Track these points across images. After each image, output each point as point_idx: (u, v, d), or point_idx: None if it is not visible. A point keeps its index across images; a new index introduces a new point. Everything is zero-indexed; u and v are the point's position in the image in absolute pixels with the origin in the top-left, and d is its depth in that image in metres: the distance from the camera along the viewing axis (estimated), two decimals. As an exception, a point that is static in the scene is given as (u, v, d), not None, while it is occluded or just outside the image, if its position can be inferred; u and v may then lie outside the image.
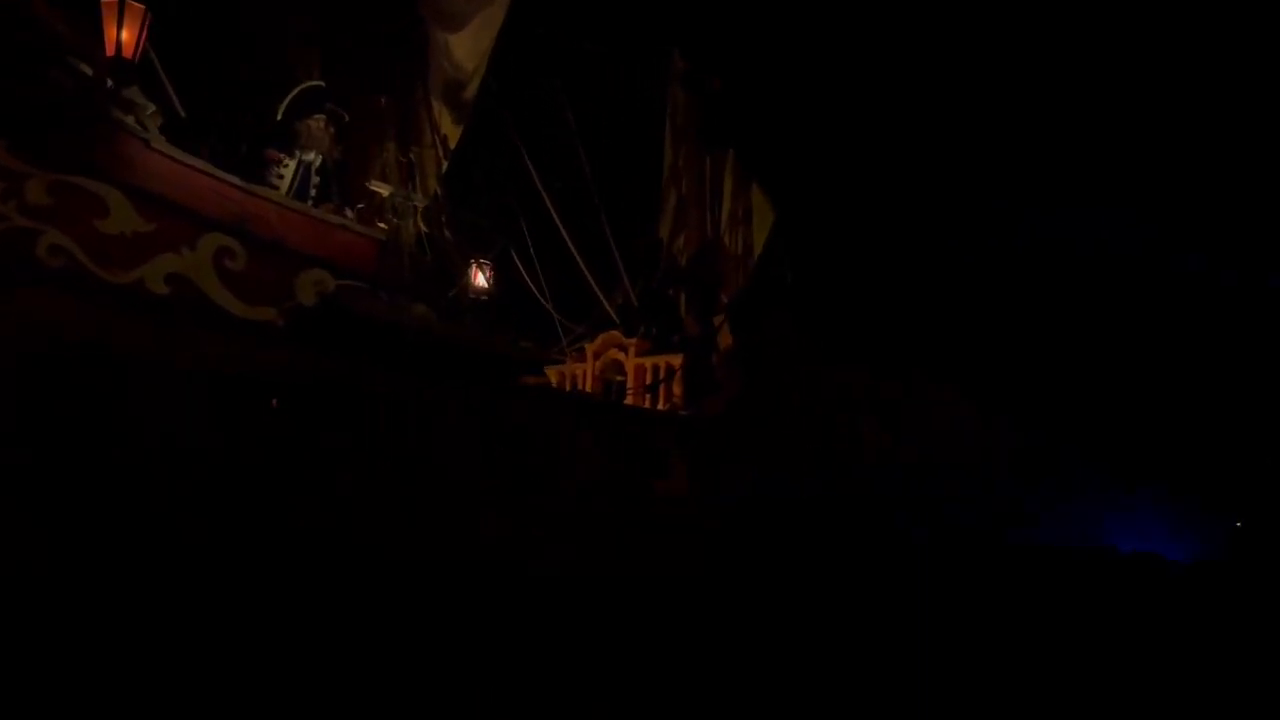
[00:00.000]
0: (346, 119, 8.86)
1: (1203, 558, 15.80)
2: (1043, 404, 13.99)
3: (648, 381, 11.59)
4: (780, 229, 12.19)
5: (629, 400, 11.66)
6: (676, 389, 11.51)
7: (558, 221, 12.00)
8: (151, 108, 7.93)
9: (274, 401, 7.42)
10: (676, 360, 11.56)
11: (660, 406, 11.55)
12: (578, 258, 12.25)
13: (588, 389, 11.99)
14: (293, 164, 8.44)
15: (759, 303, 11.90)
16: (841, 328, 11.87)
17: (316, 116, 8.51)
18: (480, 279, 10.35)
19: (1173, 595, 13.68)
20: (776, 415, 10.99)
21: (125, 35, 7.41)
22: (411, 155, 9.29)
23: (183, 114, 8.63)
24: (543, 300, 11.89)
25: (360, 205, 8.88)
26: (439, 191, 9.45)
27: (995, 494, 13.34)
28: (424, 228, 8.98)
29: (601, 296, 12.50)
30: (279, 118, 8.51)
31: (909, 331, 12.58)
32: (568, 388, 12.12)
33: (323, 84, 8.75)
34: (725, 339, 11.70)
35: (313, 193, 8.52)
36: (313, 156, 8.55)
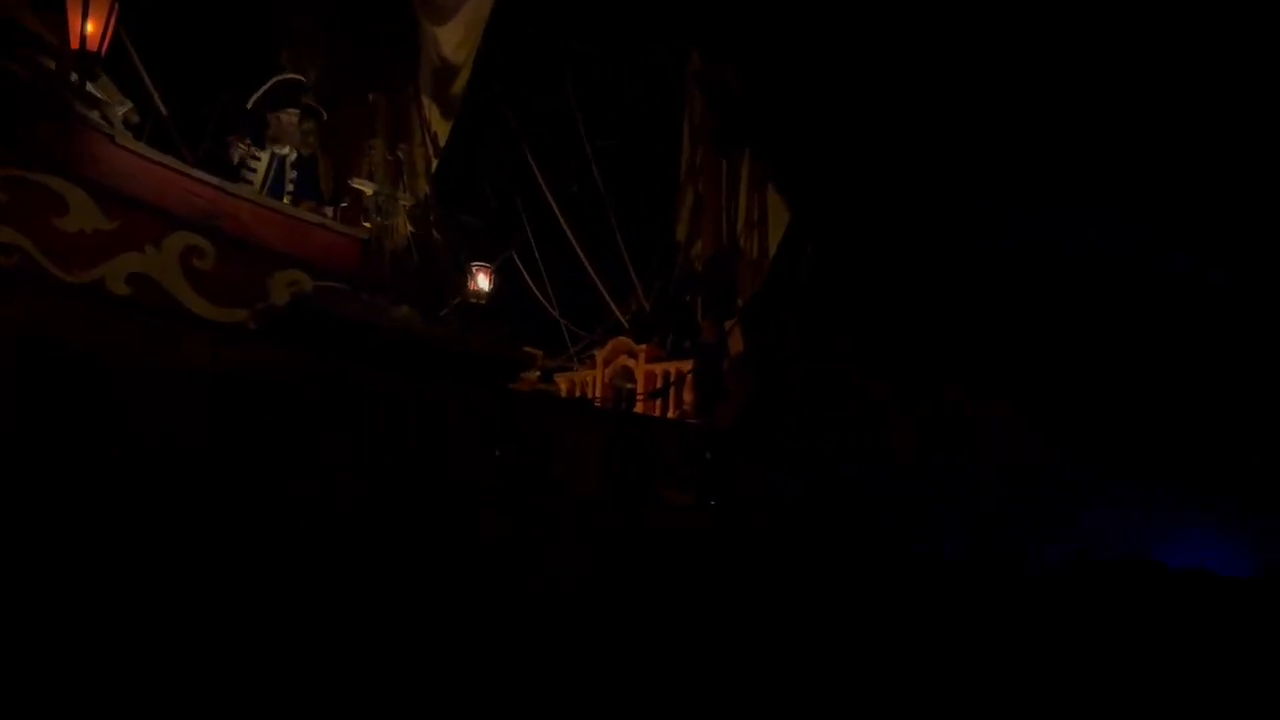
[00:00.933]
0: (324, 116, 8.59)
1: (1262, 572, 14.98)
2: (1079, 410, 13.35)
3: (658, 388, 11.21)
4: (795, 230, 11.74)
5: (639, 408, 11.27)
6: (687, 396, 11.10)
7: (565, 226, 11.69)
8: (127, 104, 7.75)
9: None
10: (687, 366, 11.16)
11: (670, 414, 11.15)
12: (586, 263, 11.93)
13: (597, 396, 11.61)
14: (265, 157, 8.18)
15: (771, 306, 11.46)
16: (861, 331, 11.37)
17: (289, 110, 8.23)
18: (481, 283, 10.04)
19: (1232, 617, 12.88)
20: (786, 419, 10.53)
21: (90, 27, 7.17)
22: (400, 153, 8.99)
23: (164, 110, 8.44)
24: (549, 307, 11.58)
25: (343, 204, 8.61)
26: (429, 191, 9.15)
27: (1028, 505, 12.73)
28: (412, 228, 8.65)
29: (611, 302, 12.15)
30: (249, 107, 8.25)
31: (930, 336, 12.05)
32: (577, 395, 11.76)
33: (301, 78, 8.49)
34: (737, 344, 11.28)
35: (290, 188, 8.26)
36: (287, 151, 8.28)
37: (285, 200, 8.18)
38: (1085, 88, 14.90)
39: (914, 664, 9.77)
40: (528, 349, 10.67)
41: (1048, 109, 14.81)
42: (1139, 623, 11.86)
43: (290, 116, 8.23)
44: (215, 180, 7.55)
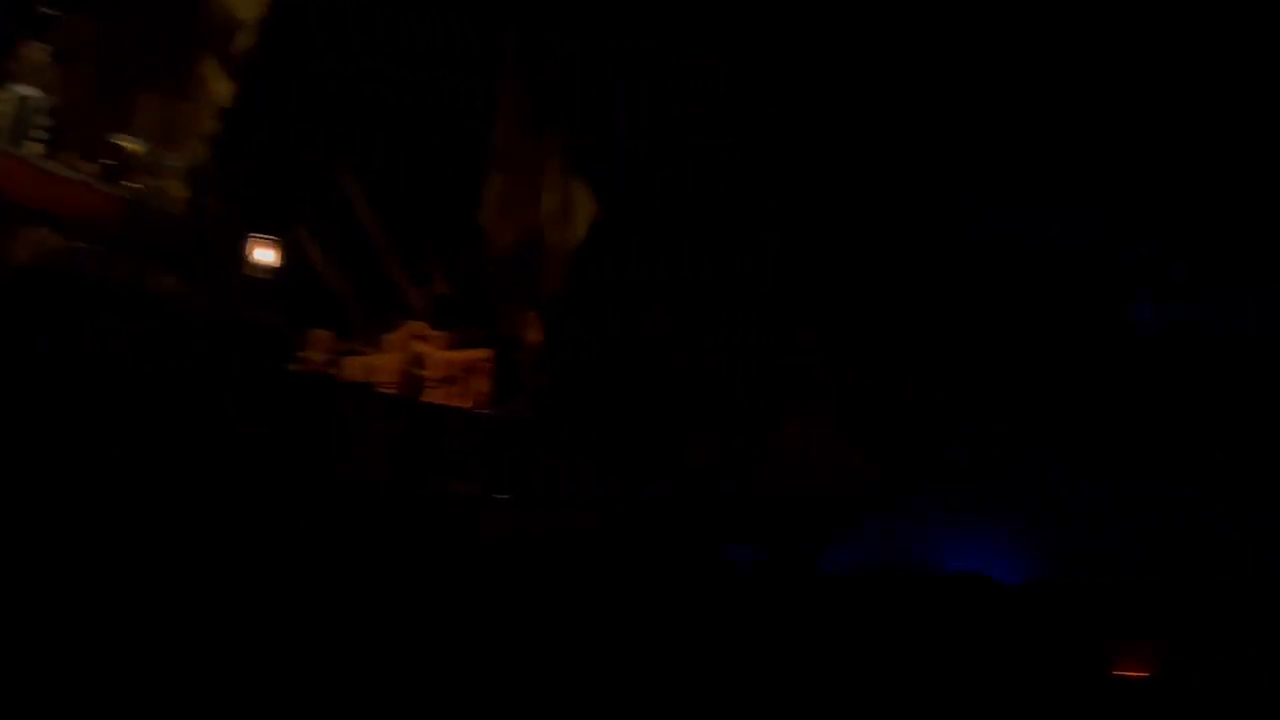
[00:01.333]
0: (78, 63, 7.81)
1: (1032, 576, 15.59)
2: (880, 414, 13.62)
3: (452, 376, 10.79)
4: (602, 224, 11.56)
5: (431, 396, 10.82)
6: (483, 386, 10.73)
7: (361, 203, 11.15)
8: None
9: None
10: (483, 355, 10.79)
11: (464, 404, 10.75)
12: (381, 243, 11.40)
13: (388, 382, 11.09)
14: (8, 97, 7.35)
15: (575, 300, 11.24)
16: (667, 333, 11.27)
17: (38, 46, 7.43)
18: (264, 257, 9.41)
19: (999, 617, 13.39)
20: (590, 416, 10.34)
21: None
22: (177, 111, 8.29)
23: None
24: (340, 286, 11.01)
25: (109, 161, 7.87)
26: (207, 154, 8.49)
27: (826, 507, 12.91)
28: (186, 192, 8.00)
29: (408, 285, 11.64)
30: None
31: (748, 339, 12.06)
32: (368, 380, 11.21)
33: (55, 12, 7.68)
34: (536, 336, 10.98)
35: (44, 136, 7.47)
36: (35, 93, 7.47)
37: (36, 149, 7.39)
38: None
39: (709, 661, 9.73)
40: (316, 330, 10.14)
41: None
42: (912, 621, 12.19)
43: (38, 53, 7.41)
44: (-49, 123, 6.76)
